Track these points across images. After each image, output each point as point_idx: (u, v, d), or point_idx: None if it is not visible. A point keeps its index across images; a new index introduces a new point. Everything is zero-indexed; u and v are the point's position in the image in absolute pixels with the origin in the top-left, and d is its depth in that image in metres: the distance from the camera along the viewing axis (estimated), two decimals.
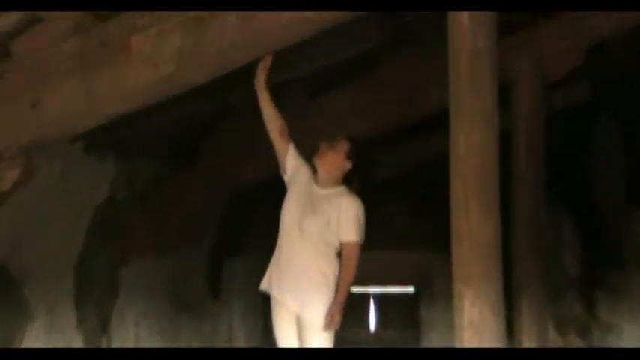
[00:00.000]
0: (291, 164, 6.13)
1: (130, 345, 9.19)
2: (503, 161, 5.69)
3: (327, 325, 5.82)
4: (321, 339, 5.85)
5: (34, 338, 8.06)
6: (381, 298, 14.39)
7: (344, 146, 6.00)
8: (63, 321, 8.54)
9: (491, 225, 5.44)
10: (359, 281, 13.26)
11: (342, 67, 8.36)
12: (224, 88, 7.08)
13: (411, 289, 14.10)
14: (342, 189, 6.00)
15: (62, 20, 5.46)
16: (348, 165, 5.99)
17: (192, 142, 7.08)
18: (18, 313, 7.99)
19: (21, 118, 5.67)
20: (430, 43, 7.18)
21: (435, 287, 12.79)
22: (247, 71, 6.03)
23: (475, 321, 5.35)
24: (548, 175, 8.51)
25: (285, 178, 6.23)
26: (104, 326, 9.03)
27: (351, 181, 6.08)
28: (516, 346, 8.17)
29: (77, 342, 8.73)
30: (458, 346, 5.44)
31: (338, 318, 5.85)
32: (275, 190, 6.45)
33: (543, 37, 8.28)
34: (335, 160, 5.97)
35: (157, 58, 5.32)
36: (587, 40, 8.22)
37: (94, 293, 8.72)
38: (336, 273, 5.94)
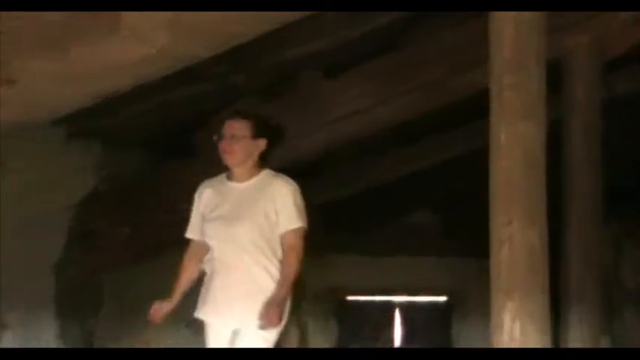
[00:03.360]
0: (202, 213, 5.83)
1: None
2: (551, 155, 5.68)
3: (262, 325, 5.43)
4: (253, 340, 5.55)
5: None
6: (407, 310, 14.43)
7: (245, 128, 5.58)
8: (41, 331, 8.62)
9: (536, 228, 5.45)
10: (382, 290, 13.44)
11: (360, 42, 8.38)
12: (223, 69, 7.12)
13: (442, 299, 14.16)
14: (265, 173, 5.68)
15: None
16: (262, 144, 5.63)
17: (186, 131, 7.07)
18: None
19: None
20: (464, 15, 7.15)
21: (470, 298, 12.82)
22: (250, 49, 6.03)
23: (516, 338, 5.33)
24: (605, 171, 8.45)
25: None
26: (89, 337, 9.10)
27: (267, 158, 5.76)
28: None
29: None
30: None
31: (275, 318, 5.43)
32: None
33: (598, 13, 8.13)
34: (246, 147, 5.58)
35: (147, 29, 5.29)
36: None
37: (77, 300, 8.77)
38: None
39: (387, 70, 8.53)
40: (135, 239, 7.91)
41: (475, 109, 6.21)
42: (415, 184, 12.32)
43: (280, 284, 5.52)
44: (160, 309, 5.73)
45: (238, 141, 5.55)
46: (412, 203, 13.20)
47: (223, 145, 5.56)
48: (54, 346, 8.75)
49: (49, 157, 7.96)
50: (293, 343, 13.45)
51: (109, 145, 8.61)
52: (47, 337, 8.68)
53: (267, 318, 5.41)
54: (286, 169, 6.06)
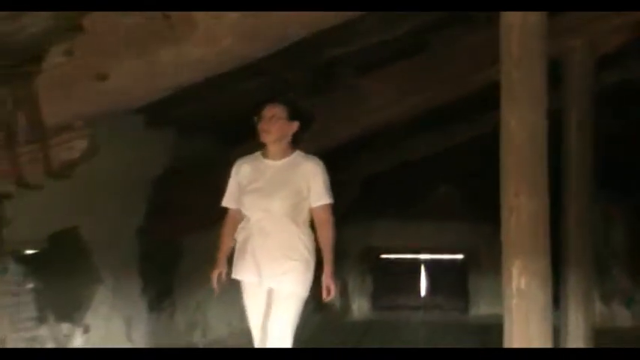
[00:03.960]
0: (239, 186, 5.72)
1: (191, 311, 9.33)
2: (552, 138, 5.71)
3: (327, 296, 5.50)
4: (293, 308, 5.49)
5: (100, 302, 8.24)
6: (431, 266, 14.46)
7: (282, 111, 5.56)
8: (128, 286, 8.72)
9: (539, 200, 5.52)
10: (410, 249, 13.51)
11: (394, 44, 8.41)
12: (279, 66, 7.15)
13: (459, 257, 14.18)
14: (297, 154, 5.60)
15: None
16: (294, 126, 5.58)
17: (246, 119, 7.14)
18: (88, 276, 8.13)
19: (88, 91, 5.74)
20: (481, 20, 7.19)
21: (483, 256, 12.85)
22: (302, 48, 6.05)
23: (522, 289, 5.41)
24: (598, 151, 8.53)
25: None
26: (168, 292, 9.19)
27: (300, 139, 5.70)
28: (563, 314, 8.20)
29: (141, 307, 8.89)
30: (505, 315, 5.52)
31: (334, 288, 5.51)
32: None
33: (592, 15, 8.11)
34: (281, 128, 5.53)
35: (216, 33, 5.34)
36: (634, 16, 8.04)
37: (158, 260, 8.86)
38: (311, 238, 5.61)
39: (414, 68, 8.62)
40: (204, 209, 7.96)
41: (489, 100, 6.23)
42: (439, 162, 12.44)
43: (327, 258, 5.49)
44: (218, 279, 5.66)
45: (275, 122, 5.51)
46: (436, 178, 13.25)
47: (262, 126, 5.52)
48: (139, 301, 8.89)
49: (133, 141, 8.00)
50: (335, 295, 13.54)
51: (181, 130, 8.66)
52: (134, 293, 8.77)
53: (328, 290, 5.46)
54: (330, 151, 6.12)
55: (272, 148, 5.58)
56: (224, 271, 5.65)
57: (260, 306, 5.54)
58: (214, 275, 5.63)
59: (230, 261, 5.74)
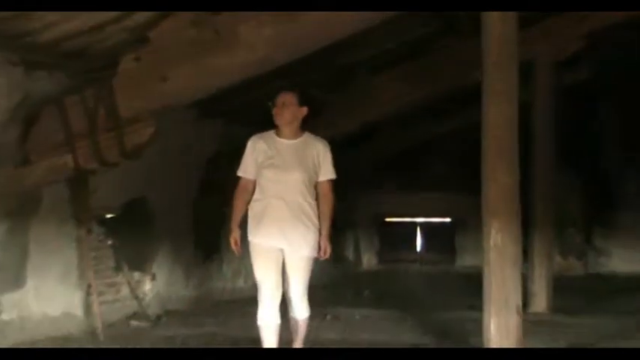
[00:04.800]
0: (256, 160, 5.21)
1: (235, 263, 9.34)
2: (522, 125, 5.74)
3: (324, 255, 5.14)
4: (310, 267, 5.15)
5: (163, 256, 8.29)
6: (425, 227, 14.49)
7: (293, 98, 5.14)
8: (185, 243, 8.74)
9: (512, 174, 5.54)
10: (408, 214, 13.54)
11: (399, 50, 8.42)
12: (306, 68, 7.13)
13: (448, 220, 14.21)
14: (307, 135, 5.20)
15: (184, 14, 5.54)
16: (304, 110, 5.16)
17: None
18: (153, 235, 8.19)
19: (153, 90, 5.78)
20: (470, 33, 7.15)
21: (467, 220, 12.84)
22: (325, 53, 6.03)
23: (498, 245, 5.43)
24: (559, 136, 8.55)
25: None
26: (216, 248, 9.23)
27: (307, 121, 5.27)
28: (530, 265, 8.19)
29: (196, 259, 8.92)
30: (484, 265, 5.51)
31: (329, 248, 5.16)
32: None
33: (554, 27, 8.22)
34: (293, 113, 5.12)
35: (255, 43, 5.37)
36: (587, 29, 8.21)
37: (208, 223, 8.89)
38: (316, 207, 5.19)
39: (415, 70, 8.74)
40: None
41: (472, 96, 6.22)
42: (433, 146, 12.52)
43: (327, 224, 5.15)
44: (237, 242, 5.17)
45: (287, 107, 5.12)
46: (431, 159, 13.27)
47: (276, 110, 5.13)
48: (194, 255, 8.89)
49: (188, 129, 8.02)
50: (351, 249, 13.60)
51: (227, 121, 8.65)
52: (190, 248, 8.80)
53: (324, 249, 5.12)
54: (348, 136, 6.07)
55: (285, 129, 5.17)
56: (239, 235, 5.15)
57: (276, 267, 5.10)
58: (232, 240, 5.16)
59: (242, 226, 5.25)
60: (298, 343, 5.22)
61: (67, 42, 5.71)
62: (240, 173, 5.21)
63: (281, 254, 5.11)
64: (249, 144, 5.21)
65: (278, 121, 5.14)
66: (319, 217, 5.15)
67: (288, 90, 5.19)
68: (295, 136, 5.17)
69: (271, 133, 5.21)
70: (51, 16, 5.24)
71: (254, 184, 5.16)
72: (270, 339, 5.05)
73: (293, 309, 5.20)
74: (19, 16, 5.13)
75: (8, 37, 5.47)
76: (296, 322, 5.22)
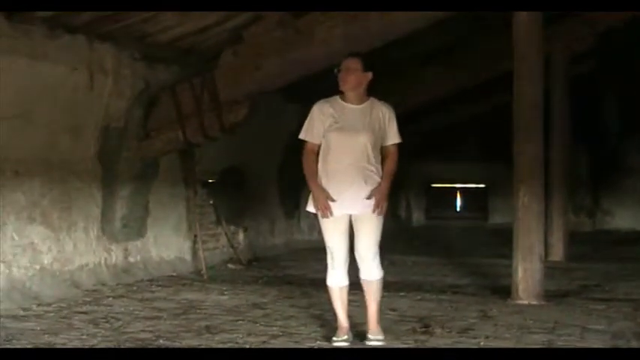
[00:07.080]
0: (323, 124, 4.30)
1: (311, 218, 9.40)
2: (545, 105, 5.72)
3: (380, 212, 4.20)
4: (380, 228, 4.27)
5: (253, 212, 8.35)
6: (463, 191, 14.52)
7: (357, 64, 4.29)
8: (271, 202, 8.83)
9: (536, 145, 5.49)
10: (450, 180, 13.53)
11: (442, 44, 8.37)
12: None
13: (482, 185, 14.17)
14: (372, 100, 4.34)
15: (271, 17, 5.60)
16: (369, 75, 4.29)
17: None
18: (245, 196, 8.29)
19: (248, 77, 5.85)
20: (499, 30, 7.05)
21: (498, 185, 12.79)
22: (385, 47, 6.00)
23: (525, 204, 5.40)
24: (573, 116, 8.65)
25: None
26: (296, 206, 9.26)
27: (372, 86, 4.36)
28: (549, 221, 8.01)
29: (279, 215, 9.00)
30: (514, 221, 5.46)
31: (385, 207, 4.23)
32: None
33: (568, 27, 8.22)
34: (357, 78, 4.25)
35: (329, 40, 5.41)
36: (595, 29, 8.21)
37: (290, 186, 8.96)
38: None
39: (455, 60, 8.72)
40: None
41: (503, 82, 6.18)
42: (470, 124, 12.47)
43: (388, 182, 4.24)
44: (325, 204, 4.23)
45: (352, 73, 4.25)
46: (468, 134, 13.21)
47: (342, 76, 4.25)
48: (278, 211, 8.94)
49: (275, 110, 8.02)
50: (403, 208, 13.61)
51: (306, 103, 8.63)
52: (275, 205, 8.87)
53: (381, 207, 4.17)
54: (404, 114, 5.99)
55: (350, 94, 4.29)
56: (324, 197, 4.21)
57: (345, 231, 4.26)
58: (322, 205, 4.22)
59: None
60: (374, 305, 4.29)
61: (180, 41, 5.82)
62: (307, 137, 4.31)
63: (349, 218, 4.26)
64: (316, 108, 4.35)
65: (343, 86, 4.29)
66: (382, 177, 4.27)
67: (351, 56, 4.37)
68: (361, 101, 4.32)
69: (337, 98, 4.36)
70: (168, 21, 5.35)
71: (319, 147, 4.30)
72: (341, 299, 4.30)
73: (365, 271, 4.29)
74: (143, 20, 5.25)
75: (133, 38, 5.61)
76: (369, 283, 4.29)
